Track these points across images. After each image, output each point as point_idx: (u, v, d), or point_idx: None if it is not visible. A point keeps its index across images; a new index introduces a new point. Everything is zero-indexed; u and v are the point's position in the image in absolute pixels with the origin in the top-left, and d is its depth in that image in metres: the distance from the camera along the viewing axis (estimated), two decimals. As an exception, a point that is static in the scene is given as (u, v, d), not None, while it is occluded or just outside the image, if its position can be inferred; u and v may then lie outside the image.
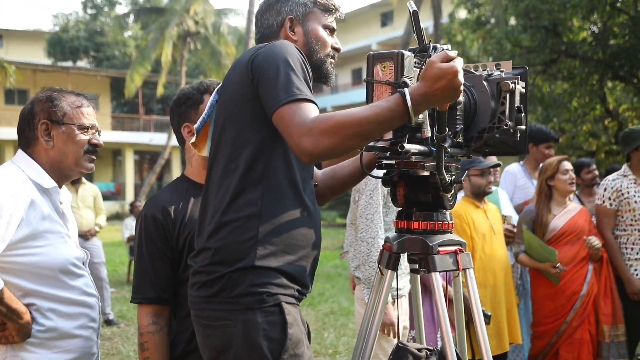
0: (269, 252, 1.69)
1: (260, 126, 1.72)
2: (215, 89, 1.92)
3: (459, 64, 1.59)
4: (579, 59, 12.38)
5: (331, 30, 1.97)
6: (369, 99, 1.71)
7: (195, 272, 1.76)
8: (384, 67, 1.69)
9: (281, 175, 1.74)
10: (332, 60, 1.96)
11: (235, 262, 1.68)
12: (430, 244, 1.85)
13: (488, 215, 4.06)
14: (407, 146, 1.71)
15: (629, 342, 4.15)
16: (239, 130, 1.74)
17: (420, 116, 1.65)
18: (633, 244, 4.15)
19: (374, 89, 1.70)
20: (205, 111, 1.91)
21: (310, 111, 1.60)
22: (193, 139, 1.94)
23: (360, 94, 29.07)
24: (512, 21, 13.00)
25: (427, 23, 17.60)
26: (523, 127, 1.94)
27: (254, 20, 2.00)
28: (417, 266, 2.01)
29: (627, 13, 12.07)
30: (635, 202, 4.13)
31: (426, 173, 1.86)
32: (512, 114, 1.91)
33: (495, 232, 4.03)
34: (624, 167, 4.32)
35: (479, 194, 4.03)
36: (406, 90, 1.58)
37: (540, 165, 4.41)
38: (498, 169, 4.53)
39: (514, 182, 4.93)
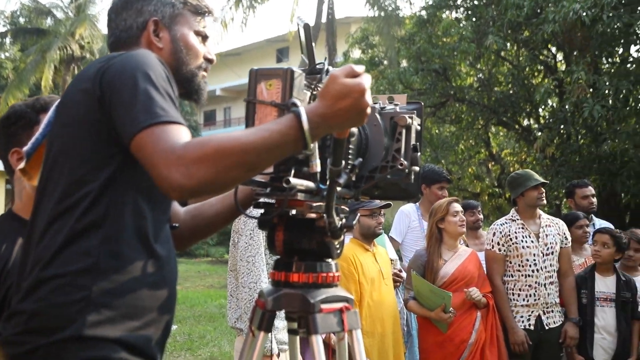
0: (104, 318, 1.31)
1: (106, 157, 1.37)
2: (55, 105, 1.54)
3: (366, 81, 1.32)
4: (466, 104, 12.80)
5: (204, 38, 1.64)
6: (250, 122, 1.40)
7: (5, 342, 1.35)
8: (270, 85, 1.41)
9: (129, 219, 1.38)
10: (204, 73, 1.63)
11: (57, 331, 1.29)
12: (312, 301, 1.54)
13: (377, 258, 3.86)
14: (293, 181, 1.42)
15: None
16: (77, 160, 1.38)
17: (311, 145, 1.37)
18: (520, 290, 4.08)
19: (256, 111, 1.41)
20: (40, 130, 1.53)
21: (180, 135, 1.28)
22: (22, 164, 1.55)
23: (255, 128, 28.83)
24: (404, 63, 13.29)
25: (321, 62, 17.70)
26: (417, 168, 1.72)
27: None
28: (295, 326, 1.70)
29: (510, 62, 12.66)
30: (523, 247, 4.08)
31: (312, 215, 1.58)
32: (408, 153, 1.68)
33: (384, 277, 3.84)
34: (512, 211, 4.28)
35: (368, 236, 3.83)
36: (301, 109, 1.30)
37: (431, 207, 4.29)
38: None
39: (407, 224, 4.77)
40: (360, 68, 1.34)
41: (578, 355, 4.09)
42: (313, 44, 1.52)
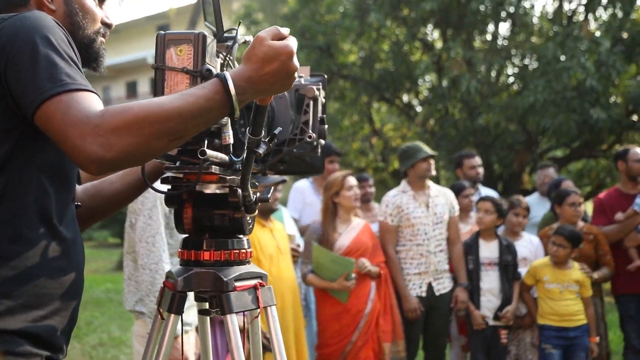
0: (4, 309, 1.20)
1: (1, 132, 1.23)
2: None
3: (293, 43, 1.27)
4: (350, 80, 13.01)
5: (100, 0, 1.51)
6: (159, 90, 1.32)
7: None
8: (180, 50, 1.33)
9: (30, 199, 1.26)
10: (102, 39, 1.50)
11: None
12: (225, 279, 1.50)
13: (274, 234, 3.85)
14: (209, 152, 1.35)
15: (410, 357, 4.21)
16: None
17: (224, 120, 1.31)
18: (412, 258, 4.22)
19: (165, 78, 1.32)
20: None
21: (93, 104, 1.17)
22: None
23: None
24: (288, 40, 13.25)
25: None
26: (324, 141, 1.71)
27: None
28: (207, 306, 1.65)
29: (390, 39, 12.98)
30: (414, 217, 4.22)
31: (221, 190, 1.53)
32: (315, 125, 1.67)
33: (282, 252, 3.83)
34: (403, 183, 4.40)
35: (265, 212, 3.80)
36: (227, 74, 1.22)
37: (325, 181, 4.32)
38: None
39: (302, 199, 4.79)
40: (285, 30, 1.30)
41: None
42: (220, 10, 1.45)
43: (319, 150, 1.70)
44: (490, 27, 10.63)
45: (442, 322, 4.34)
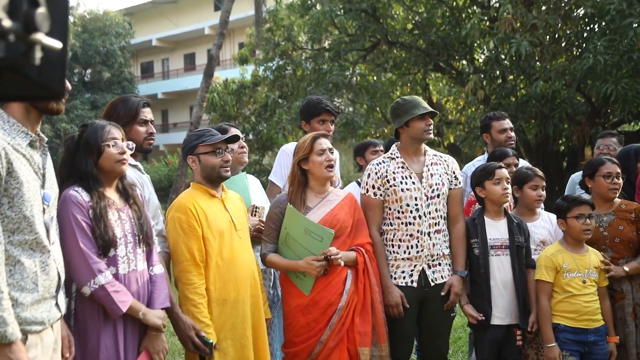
0: None
1: None
2: None
3: None
4: (398, 47, 12.12)
5: None
6: None
7: None
8: None
9: None
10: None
11: None
12: None
13: (227, 206, 3.18)
14: None
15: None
16: None
17: None
18: (400, 240, 3.45)
19: None
20: None
21: None
22: None
23: (193, 79, 27.62)
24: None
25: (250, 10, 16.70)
26: (42, 35, 1.00)
27: None
28: None
29: (446, 4, 11.97)
30: (403, 190, 3.44)
31: None
32: (16, 6, 0.97)
33: (238, 229, 3.16)
34: (393, 147, 3.61)
35: (214, 178, 3.14)
36: None
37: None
38: (245, 148, 3.69)
39: (289, 165, 4.02)
40: None
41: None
42: None
43: (36, 55, 1.00)
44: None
45: (441, 318, 3.51)
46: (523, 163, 4.57)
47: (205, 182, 3.16)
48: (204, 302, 2.96)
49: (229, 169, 3.17)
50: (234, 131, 3.27)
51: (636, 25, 6.84)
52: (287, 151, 4.10)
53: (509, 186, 3.53)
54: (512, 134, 4.49)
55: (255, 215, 3.53)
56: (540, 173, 3.66)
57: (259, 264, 3.48)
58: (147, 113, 3.14)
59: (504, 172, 3.53)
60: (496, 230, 3.50)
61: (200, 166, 3.14)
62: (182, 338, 2.90)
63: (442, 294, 3.45)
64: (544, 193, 3.64)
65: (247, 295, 3.13)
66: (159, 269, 2.82)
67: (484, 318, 3.42)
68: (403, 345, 3.48)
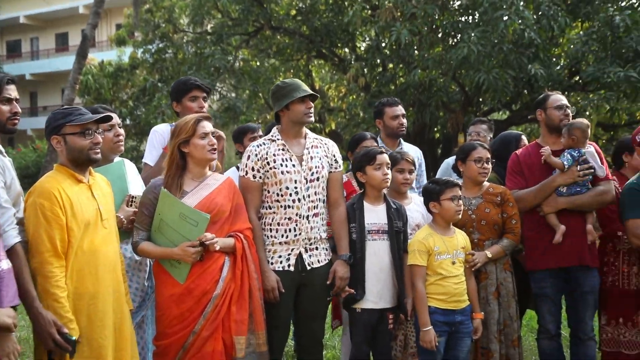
0: None
1: None
2: None
3: None
4: (282, 32, 12.05)
5: None
6: None
7: None
8: None
9: None
10: None
11: None
12: None
13: (95, 193, 2.94)
14: None
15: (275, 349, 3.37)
16: None
17: None
18: (278, 224, 3.37)
19: None
20: None
21: None
22: None
23: (65, 61, 26.07)
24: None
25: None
26: None
27: None
28: None
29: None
30: (282, 172, 3.36)
31: None
32: None
33: (104, 218, 2.93)
34: (274, 130, 3.52)
35: (81, 162, 2.89)
36: None
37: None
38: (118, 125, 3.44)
39: (162, 145, 3.82)
40: None
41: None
42: None
43: None
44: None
45: (317, 302, 3.48)
46: (408, 147, 4.64)
47: (71, 165, 2.90)
48: (66, 295, 2.73)
49: (99, 151, 2.93)
50: (109, 114, 3.03)
51: (506, 18, 7.18)
52: (159, 131, 3.91)
53: (389, 171, 3.55)
54: (404, 120, 4.54)
55: (131, 205, 3.30)
56: (410, 157, 3.71)
57: (134, 255, 3.29)
58: (11, 90, 2.87)
59: (385, 157, 3.54)
60: (375, 215, 3.51)
61: (66, 148, 2.88)
62: (41, 335, 2.66)
63: (328, 282, 3.42)
64: (410, 176, 3.69)
65: (110, 290, 2.89)
66: (6, 264, 2.55)
67: (354, 292, 3.43)
68: (279, 331, 3.42)
